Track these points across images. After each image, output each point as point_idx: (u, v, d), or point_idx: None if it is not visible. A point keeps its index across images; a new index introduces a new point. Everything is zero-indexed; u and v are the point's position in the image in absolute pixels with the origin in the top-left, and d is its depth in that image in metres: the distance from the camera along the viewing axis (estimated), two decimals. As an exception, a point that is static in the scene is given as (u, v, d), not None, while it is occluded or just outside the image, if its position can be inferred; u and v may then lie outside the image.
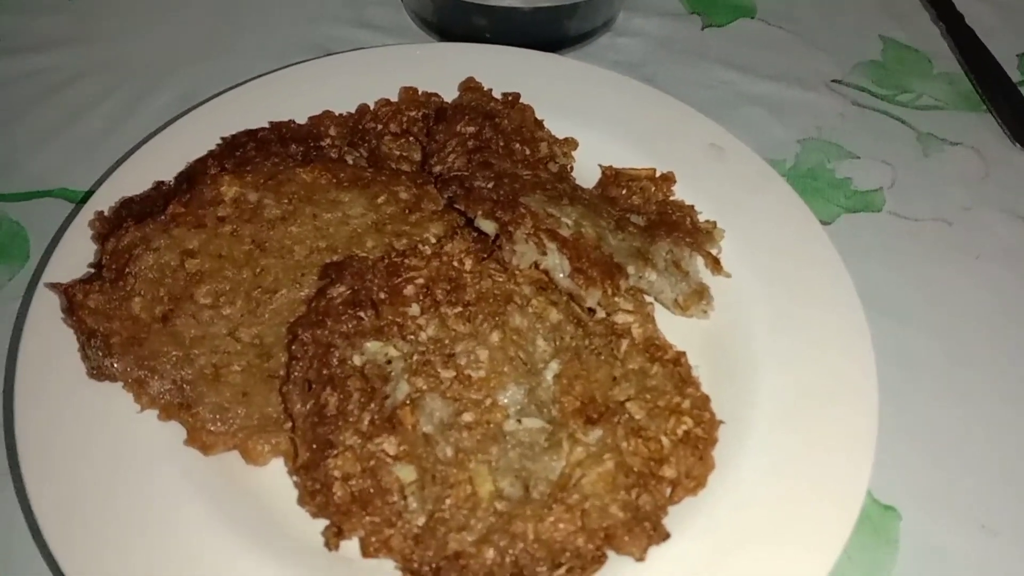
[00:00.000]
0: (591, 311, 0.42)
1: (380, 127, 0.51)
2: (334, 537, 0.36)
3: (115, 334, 0.39)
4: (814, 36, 0.64)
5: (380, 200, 0.45)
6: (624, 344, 0.42)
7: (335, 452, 0.37)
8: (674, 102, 0.53)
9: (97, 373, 0.39)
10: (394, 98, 0.52)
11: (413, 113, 0.51)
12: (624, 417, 0.39)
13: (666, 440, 0.39)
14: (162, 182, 0.46)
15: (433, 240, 0.44)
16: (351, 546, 0.36)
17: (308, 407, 0.38)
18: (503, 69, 0.55)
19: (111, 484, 0.38)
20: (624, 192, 0.50)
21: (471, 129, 0.48)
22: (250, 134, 0.48)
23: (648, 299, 0.45)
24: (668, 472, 0.38)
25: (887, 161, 0.56)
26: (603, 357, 0.42)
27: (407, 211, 0.45)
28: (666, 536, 0.37)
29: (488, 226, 0.43)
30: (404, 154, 0.50)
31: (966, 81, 0.61)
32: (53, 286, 0.40)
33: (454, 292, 0.41)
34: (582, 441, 0.38)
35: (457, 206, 0.44)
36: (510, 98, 0.52)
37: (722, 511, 0.39)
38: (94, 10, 0.63)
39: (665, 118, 0.53)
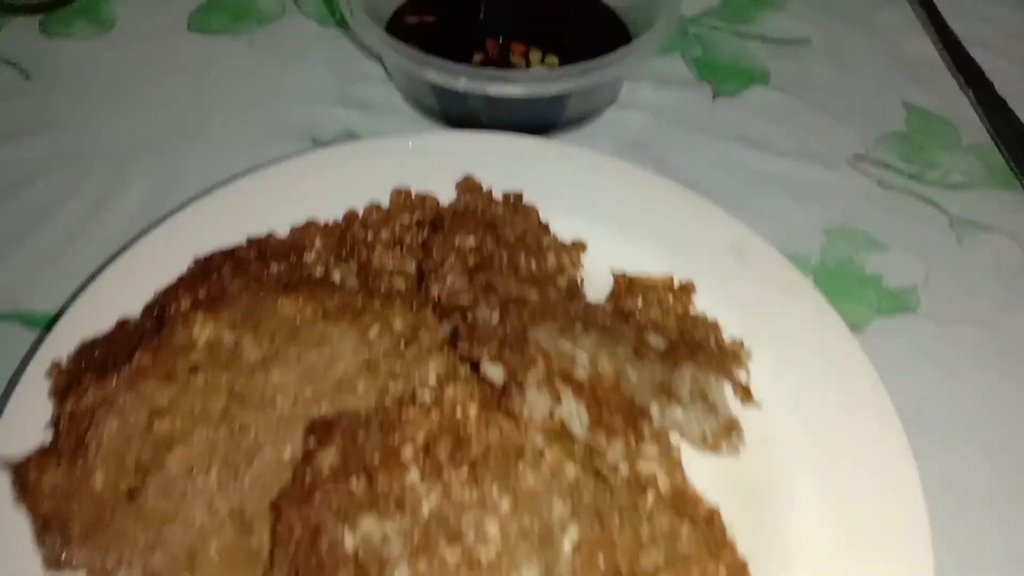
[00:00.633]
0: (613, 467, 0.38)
1: (370, 237, 0.46)
2: None
3: (75, 517, 0.34)
4: (833, 104, 0.59)
5: (372, 333, 0.41)
6: (650, 498, 0.38)
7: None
8: (690, 195, 0.49)
9: (55, 564, 0.34)
10: (386, 196, 0.48)
11: (406, 220, 0.47)
12: (655, 594, 0.35)
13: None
14: (126, 320, 0.41)
15: (433, 382, 0.40)
16: None
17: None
18: (503, 160, 0.50)
19: None
20: (640, 304, 0.46)
21: (471, 242, 0.44)
22: (226, 255, 0.43)
23: (674, 437, 0.41)
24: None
25: (919, 252, 0.52)
26: (627, 515, 0.37)
27: (403, 344, 0.41)
28: None
29: (496, 372, 0.38)
30: (398, 268, 0.45)
31: (997, 154, 0.57)
32: (1, 464, 0.35)
33: (458, 449, 0.37)
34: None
35: (460, 344, 0.39)
36: (512, 199, 0.48)
37: None
38: (54, 90, 0.58)
39: (681, 214, 0.48)
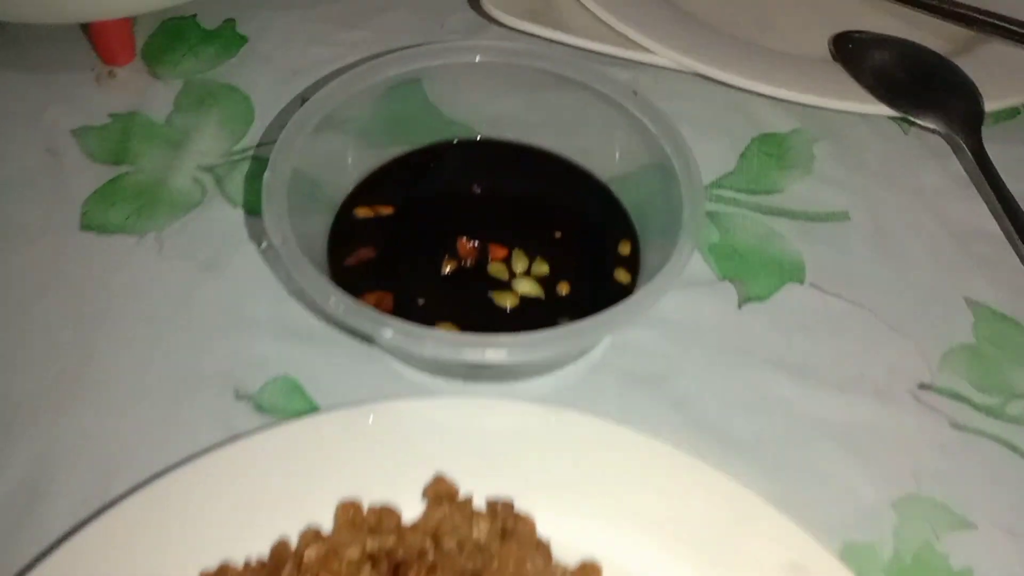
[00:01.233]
0: None
1: (308, 585, 0.34)
2: None
3: None
4: (884, 306, 0.48)
5: None
6: None
7: None
8: (733, 487, 0.37)
9: None
10: (334, 497, 0.36)
11: (355, 552, 0.35)
12: None
13: None
14: None
15: None
16: None
17: None
18: (488, 435, 0.39)
19: None
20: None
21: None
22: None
23: None
24: None
25: (1013, 532, 0.41)
26: None
27: None
28: None
29: None
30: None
31: (1089, 371, 0.46)
32: None
33: None
34: None
35: None
36: (500, 511, 0.36)
37: None
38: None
39: (720, 518, 0.37)
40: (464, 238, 0.46)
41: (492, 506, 0.36)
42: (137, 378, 0.43)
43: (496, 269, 0.46)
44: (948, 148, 0.56)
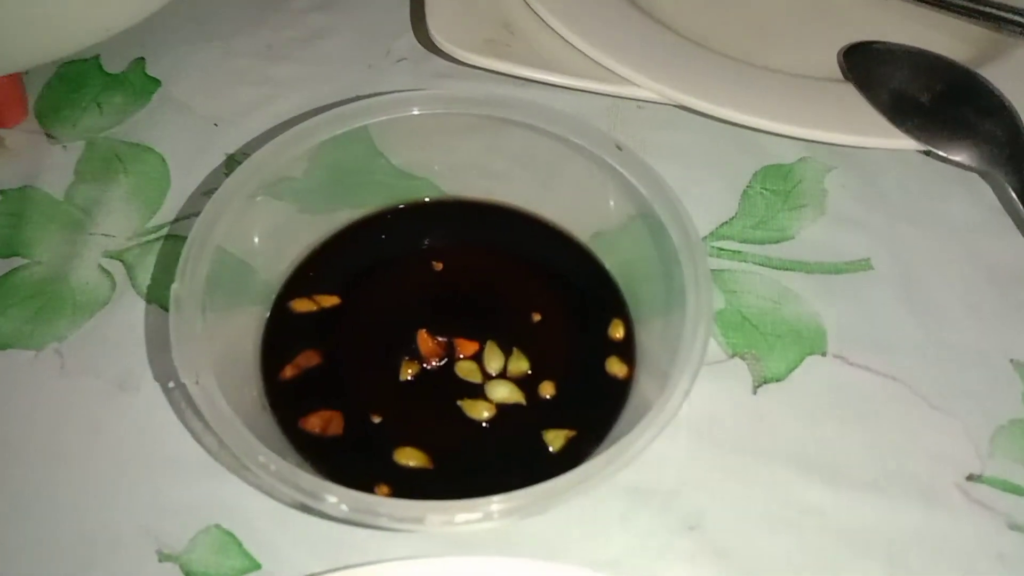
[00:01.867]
0: None
1: None
2: None
3: None
4: (917, 377, 0.41)
5: None
6: None
7: None
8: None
9: None
10: None
11: None
12: None
13: None
14: None
15: None
16: None
17: None
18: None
19: None
20: None
21: None
22: None
23: None
24: None
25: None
26: None
27: None
28: None
29: None
30: None
31: None
32: None
33: None
34: None
35: None
36: None
37: None
38: None
39: None
40: (425, 332, 0.39)
41: None
42: (39, 537, 0.36)
43: (466, 369, 0.38)
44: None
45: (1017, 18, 0.48)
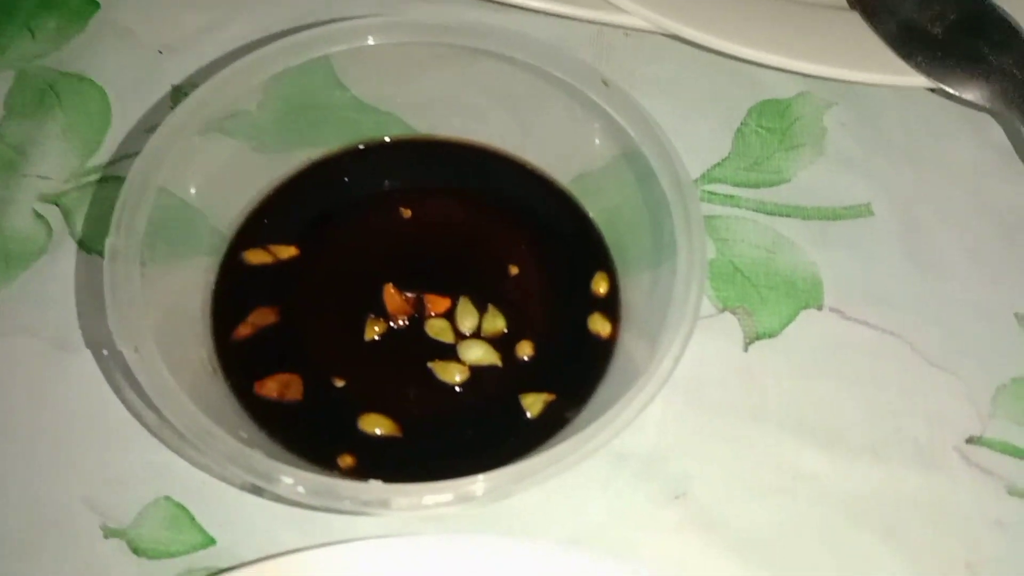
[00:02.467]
0: None
1: None
2: None
3: None
4: (917, 332, 0.39)
5: None
6: None
7: None
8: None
9: None
10: None
11: None
12: None
13: None
14: None
15: None
16: None
17: None
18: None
19: None
20: None
21: None
22: None
23: None
24: None
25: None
26: None
27: None
28: None
29: None
30: None
31: None
32: None
33: None
34: None
35: None
36: None
37: None
38: None
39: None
40: (392, 287, 0.36)
41: None
42: None
43: (437, 328, 0.35)
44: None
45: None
